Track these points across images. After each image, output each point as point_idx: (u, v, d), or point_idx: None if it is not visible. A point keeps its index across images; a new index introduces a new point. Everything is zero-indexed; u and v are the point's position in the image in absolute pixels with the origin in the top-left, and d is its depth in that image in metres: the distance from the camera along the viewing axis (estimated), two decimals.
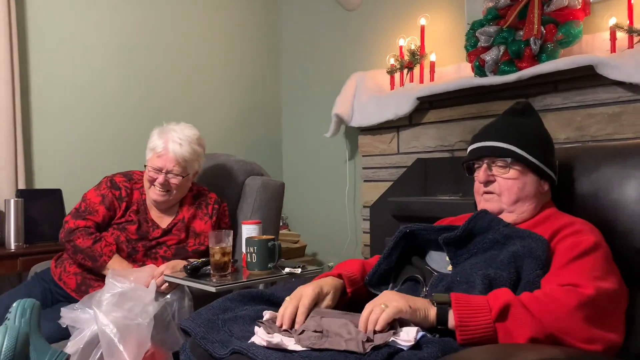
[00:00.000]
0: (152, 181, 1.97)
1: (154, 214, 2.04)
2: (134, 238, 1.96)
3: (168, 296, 1.80)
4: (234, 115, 3.65)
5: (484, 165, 1.36)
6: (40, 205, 2.59)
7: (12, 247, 2.42)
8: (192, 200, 2.10)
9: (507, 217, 1.33)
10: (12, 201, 2.44)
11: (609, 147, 1.48)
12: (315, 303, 1.21)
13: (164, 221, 2.04)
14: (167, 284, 1.79)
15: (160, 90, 3.24)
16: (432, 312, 1.08)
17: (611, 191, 1.34)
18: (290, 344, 1.04)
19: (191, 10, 3.40)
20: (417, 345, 1.01)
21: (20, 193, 2.57)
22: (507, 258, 1.17)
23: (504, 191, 1.33)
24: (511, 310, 1.03)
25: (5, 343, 0.89)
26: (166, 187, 1.97)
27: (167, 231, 2.01)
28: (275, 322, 1.15)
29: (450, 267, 1.28)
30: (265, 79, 3.85)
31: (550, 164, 1.36)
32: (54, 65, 2.83)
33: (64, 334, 1.66)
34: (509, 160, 1.32)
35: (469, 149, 1.42)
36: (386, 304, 1.07)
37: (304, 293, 1.21)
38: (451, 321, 1.06)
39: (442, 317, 1.07)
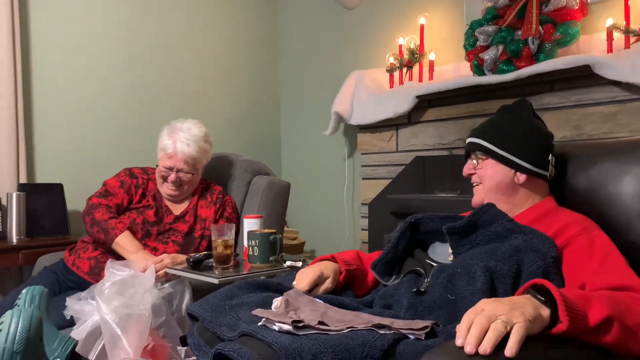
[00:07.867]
0: (164, 178, 2.14)
1: (167, 201, 2.20)
2: (150, 221, 2.09)
3: (166, 285, 1.84)
4: (234, 113, 3.67)
5: (469, 160, 1.51)
6: (41, 200, 2.60)
7: (14, 240, 2.44)
8: (201, 191, 2.26)
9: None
10: (14, 195, 2.45)
11: (604, 143, 1.52)
12: (315, 285, 1.33)
13: (177, 208, 2.21)
14: (164, 271, 1.84)
15: (160, 88, 3.25)
16: (545, 312, 0.93)
17: (607, 186, 1.37)
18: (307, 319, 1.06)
19: (191, 10, 3.42)
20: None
21: (21, 187, 2.59)
22: (509, 251, 1.20)
23: (481, 180, 1.46)
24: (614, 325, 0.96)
25: (20, 324, 0.91)
26: (178, 183, 2.14)
27: (180, 217, 2.17)
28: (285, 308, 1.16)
29: (451, 258, 1.30)
30: (265, 77, 3.87)
31: (530, 157, 1.39)
32: (56, 60, 2.85)
33: (69, 321, 1.71)
34: (479, 153, 1.47)
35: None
36: (504, 320, 0.86)
37: (305, 274, 1.35)
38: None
39: (555, 318, 0.93)
